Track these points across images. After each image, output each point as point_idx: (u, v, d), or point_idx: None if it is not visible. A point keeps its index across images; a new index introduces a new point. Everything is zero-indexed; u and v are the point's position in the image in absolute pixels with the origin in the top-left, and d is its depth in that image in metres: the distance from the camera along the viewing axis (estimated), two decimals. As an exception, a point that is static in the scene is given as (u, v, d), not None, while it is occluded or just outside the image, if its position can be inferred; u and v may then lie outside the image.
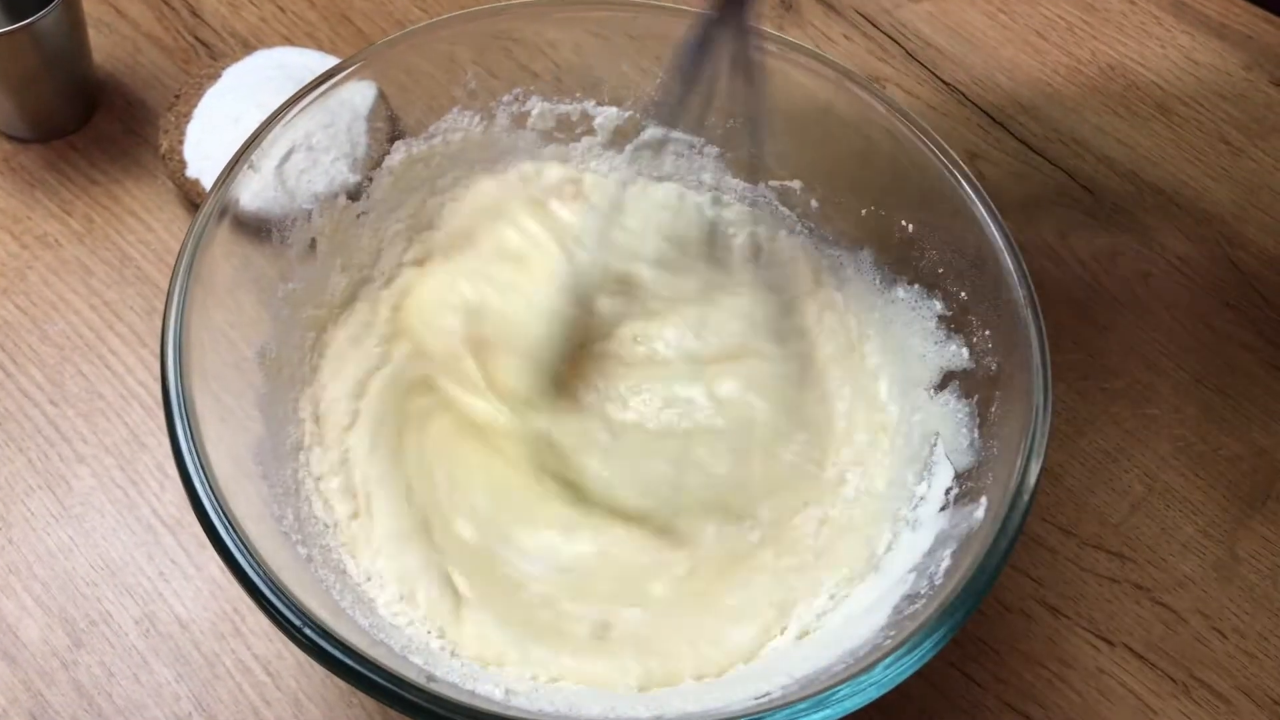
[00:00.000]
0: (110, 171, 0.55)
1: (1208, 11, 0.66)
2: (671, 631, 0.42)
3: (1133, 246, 0.57)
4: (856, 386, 0.48)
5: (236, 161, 0.41)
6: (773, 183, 0.50)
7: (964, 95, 0.62)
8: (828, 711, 0.33)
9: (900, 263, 0.48)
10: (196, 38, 0.59)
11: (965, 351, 0.45)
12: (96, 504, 0.47)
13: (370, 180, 0.47)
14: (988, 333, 0.44)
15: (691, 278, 0.49)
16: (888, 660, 0.34)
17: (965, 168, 0.44)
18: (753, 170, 0.51)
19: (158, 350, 0.38)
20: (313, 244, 0.45)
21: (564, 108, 0.50)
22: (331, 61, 0.54)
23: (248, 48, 0.58)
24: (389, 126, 0.49)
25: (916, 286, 0.47)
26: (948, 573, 0.38)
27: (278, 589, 0.34)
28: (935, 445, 0.44)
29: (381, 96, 0.48)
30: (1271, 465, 0.52)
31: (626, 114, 0.51)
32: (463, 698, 0.34)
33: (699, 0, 0.41)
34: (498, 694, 0.38)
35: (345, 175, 0.46)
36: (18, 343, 0.50)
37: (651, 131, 0.51)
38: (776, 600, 0.43)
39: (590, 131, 0.51)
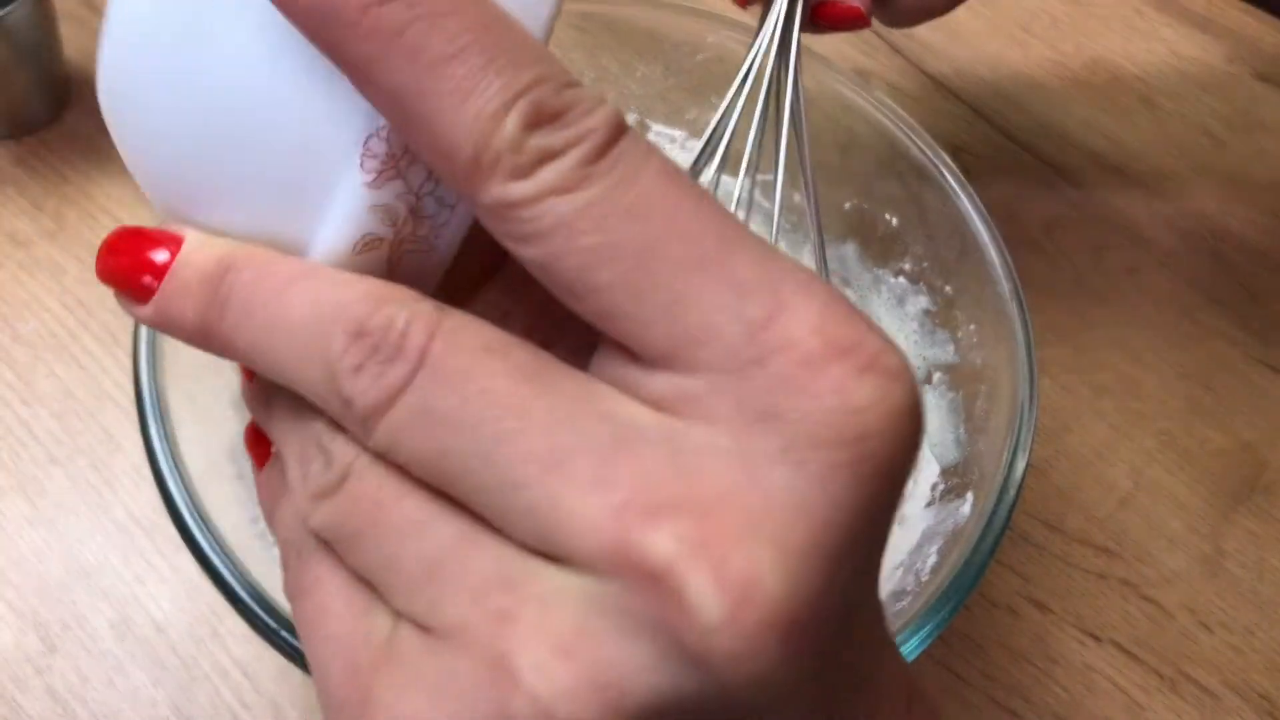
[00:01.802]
0: (82, 168, 0.54)
1: (1191, 5, 0.66)
2: None
3: (1118, 241, 0.57)
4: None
5: (210, 156, 0.41)
6: (755, 176, 0.50)
7: (948, 89, 0.62)
8: (814, 711, 0.33)
9: (884, 257, 0.47)
10: (171, 32, 0.58)
11: (951, 346, 0.44)
12: (70, 506, 0.46)
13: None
14: (973, 327, 0.43)
15: None
16: (874, 659, 0.34)
17: (950, 161, 0.44)
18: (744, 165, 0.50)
19: (130, 349, 0.37)
20: (289, 240, 0.45)
21: (544, 102, 0.50)
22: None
23: (223, 42, 0.58)
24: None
25: (901, 280, 0.47)
26: (934, 569, 0.37)
27: (254, 591, 0.33)
28: (920, 441, 0.44)
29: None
30: (1256, 459, 0.51)
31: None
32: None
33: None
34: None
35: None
36: (-11, 342, 0.49)
37: (631, 124, 0.51)
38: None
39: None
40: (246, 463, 0.40)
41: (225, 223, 0.20)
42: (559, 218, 0.17)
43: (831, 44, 0.62)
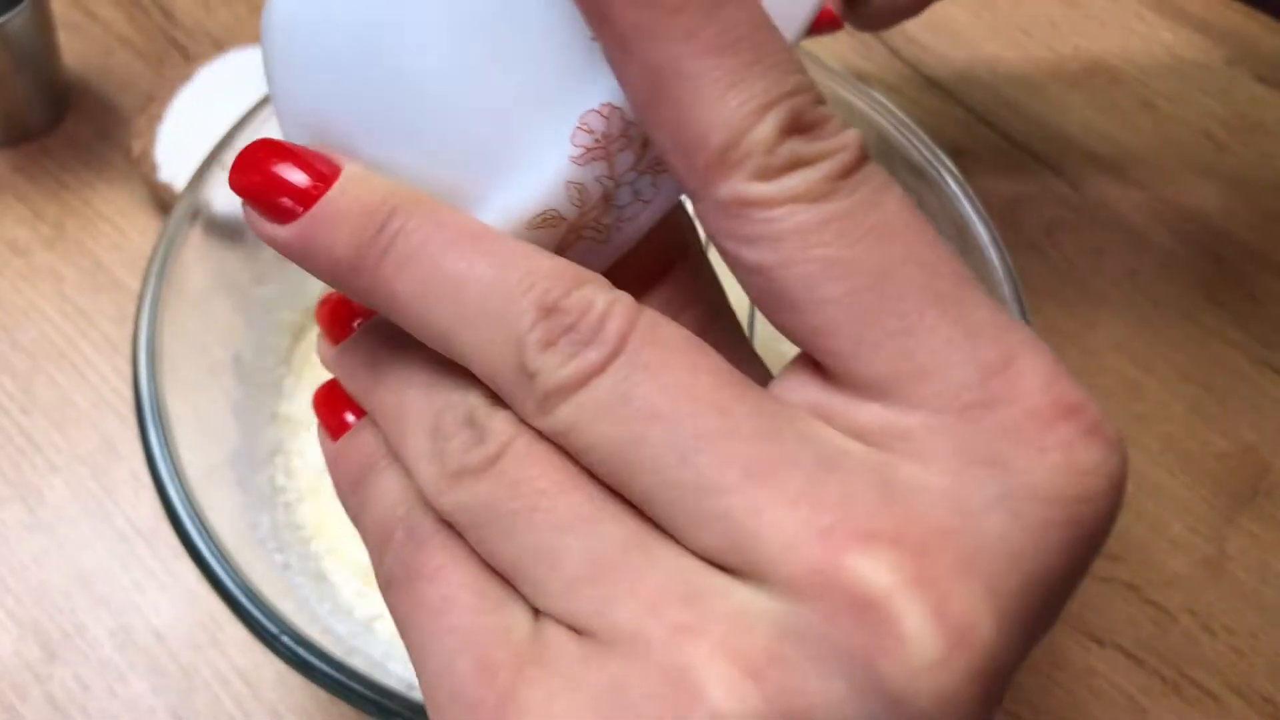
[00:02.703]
0: (82, 175, 0.54)
1: (1190, 7, 0.66)
2: None
3: (1119, 243, 0.57)
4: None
5: (209, 163, 0.41)
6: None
7: (948, 92, 0.62)
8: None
9: (885, 260, 0.47)
10: (169, 38, 0.58)
11: (951, 349, 0.44)
12: (69, 514, 0.46)
13: (347, 181, 0.47)
14: (974, 330, 0.43)
15: None
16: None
17: (950, 164, 0.44)
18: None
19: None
20: (288, 246, 0.45)
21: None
22: (307, 62, 0.53)
23: (220, 48, 0.58)
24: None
25: (902, 284, 0.47)
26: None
27: (254, 597, 0.33)
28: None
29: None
30: (1259, 461, 0.51)
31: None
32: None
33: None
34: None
35: (321, 176, 0.45)
36: (-12, 350, 0.49)
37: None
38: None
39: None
40: (246, 469, 0.40)
41: (390, 163, 0.19)
42: (798, 224, 0.17)
43: (829, 46, 0.62)
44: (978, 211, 0.42)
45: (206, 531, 0.34)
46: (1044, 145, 0.60)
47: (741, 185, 0.17)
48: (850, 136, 0.17)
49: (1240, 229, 0.58)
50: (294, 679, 0.43)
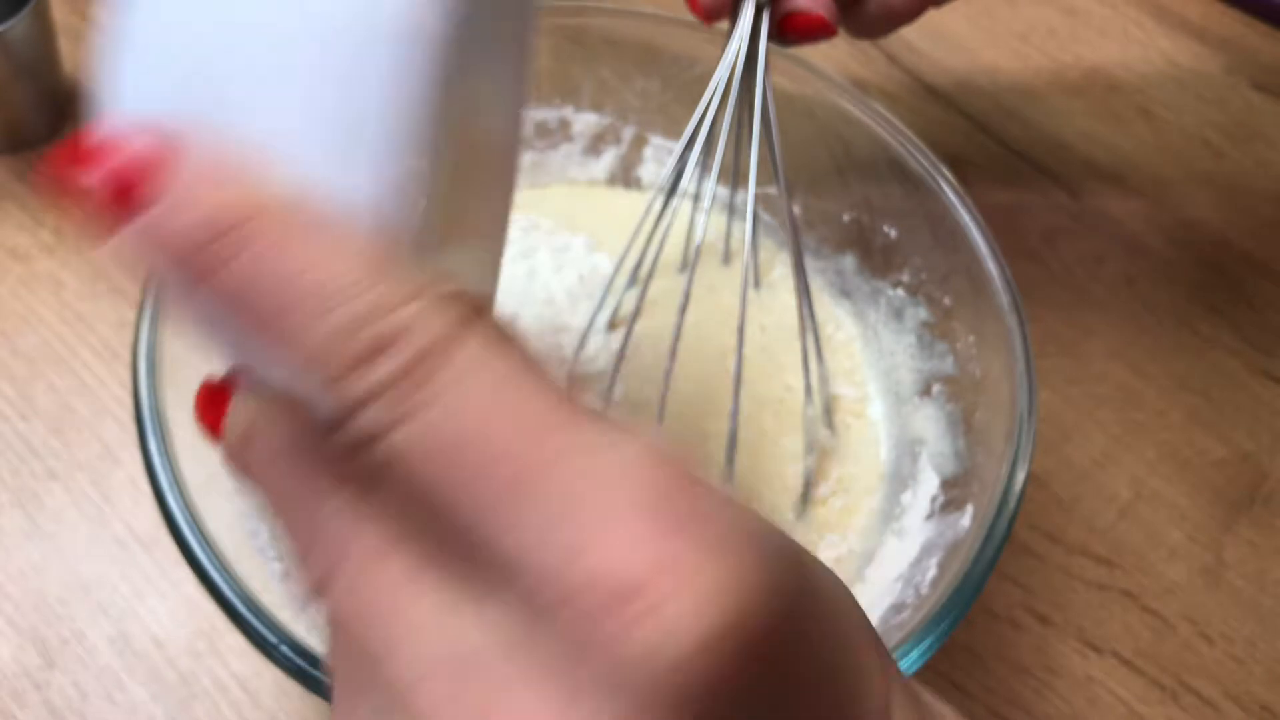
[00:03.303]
0: (82, 182, 0.54)
1: (1188, 15, 0.66)
2: None
3: (1117, 251, 0.57)
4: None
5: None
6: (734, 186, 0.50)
7: (947, 100, 0.62)
8: (814, 725, 0.33)
9: (883, 268, 0.47)
10: (170, 46, 0.59)
11: (950, 358, 0.44)
12: (69, 520, 0.46)
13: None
14: (972, 339, 0.43)
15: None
16: (875, 672, 0.34)
17: (948, 172, 0.44)
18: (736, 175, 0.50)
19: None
20: (288, 254, 0.45)
21: (542, 114, 0.50)
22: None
23: (222, 56, 0.58)
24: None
25: (900, 292, 0.47)
26: (934, 582, 0.37)
27: (252, 606, 0.33)
28: (920, 453, 0.44)
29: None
30: (1256, 469, 0.51)
31: (606, 120, 0.50)
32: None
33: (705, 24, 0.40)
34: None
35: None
36: (-12, 357, 0.49)
37: (630, 136, 0.51)
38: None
39: (569, 139, 0.51)
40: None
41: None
42: (390, 452, 0.17)
43: (828, 54, 0.63)
44: (975, 220, 0.43)
45: (205, 540, 0.34)
46: (1042, 153, 0.60)
47: (340, 433, 0.18)
48: (422, 335, 0.17)
49: (1239, 237, 0.58)
50: (293, 687, 0.43)
